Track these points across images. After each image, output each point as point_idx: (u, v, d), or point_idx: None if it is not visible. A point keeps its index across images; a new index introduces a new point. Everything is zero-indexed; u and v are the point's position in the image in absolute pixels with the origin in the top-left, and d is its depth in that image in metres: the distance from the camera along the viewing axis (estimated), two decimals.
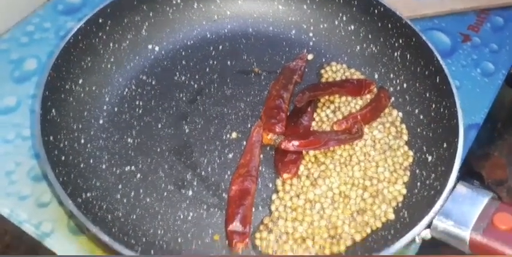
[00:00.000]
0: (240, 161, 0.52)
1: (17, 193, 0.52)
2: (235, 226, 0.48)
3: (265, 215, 0.50)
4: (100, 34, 0.56)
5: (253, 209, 0.50)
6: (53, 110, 0.50)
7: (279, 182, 0.52)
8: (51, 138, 0.48)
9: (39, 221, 0.51)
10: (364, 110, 0.55)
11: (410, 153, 0.54)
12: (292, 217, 0.49)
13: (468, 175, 0.51)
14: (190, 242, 0.48)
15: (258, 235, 0.49)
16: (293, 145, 0.51)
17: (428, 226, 0.44)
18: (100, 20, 0.56)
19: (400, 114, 0.57)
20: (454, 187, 0.45)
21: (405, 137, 0.55)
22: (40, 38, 0.63)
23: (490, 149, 0.85)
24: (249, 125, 0.56)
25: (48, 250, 0.51)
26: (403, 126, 0.56)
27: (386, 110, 0.57)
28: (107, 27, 0.57)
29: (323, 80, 0.60)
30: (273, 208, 0.50)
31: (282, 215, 0.49)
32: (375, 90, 0.58)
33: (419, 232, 0.44)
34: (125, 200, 0.50)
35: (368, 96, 0.58)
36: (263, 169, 0.53)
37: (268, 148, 0.54)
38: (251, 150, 0.53)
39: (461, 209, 0.44)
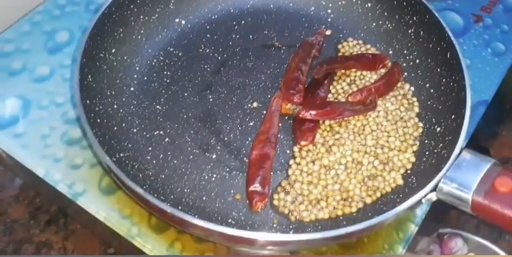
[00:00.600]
0: (260, 129, 0.56)
1: (51, 155, 0.55)
2: (256, 186, 0.51)
3: (282, 179, 0.53)
4: (131, 6, 0.59)
5: (272, 173, 0.53)
6: (89, 76, 0.53)
7: (296, 148, 0.55)
8: (87, 102, 0.51)
9: (72, 182, 0.54)
10: (378, 83, 0.58)
11: (420, 124, 0.56)
12: (308, 181, 0.53)
13: (476, 151, 0.54)
14: (214, 200, 0.51)
15: (276, 196, 0.52)
16: (310, 114, 0.54)
17: (434, 189, 0.47)
18: None
19: (412, 88, 0.59)
20: (459, 153, 0.48)
21: (416, 109, 0.57)
22: (71, 11, 0.66)
23: (499, 128, 0.87)
24: (269, 96, 0.59)
25: (77, 212, 0.55)
26: (415, 99, 0.58)
27: (399, 84, 0.59)
28: (138, 1, 0.59)
29: (340, 54, 0.62)
30: (290, 172, 0.53)
31: (299, 179, 0.53)
32: (389, 64, 0.61)
33: (426, 194, 0.47)
34: (154, 161, 0.53)
35: (382, 71, 0.60)
36: (281, 137, 0.56)
37: (286, 118, 0.57)
38: (270, 118, 0.56)
39: (464, 174, 0.46)
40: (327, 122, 0.56)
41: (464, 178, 0.46)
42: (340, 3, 0.65)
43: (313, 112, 0.54)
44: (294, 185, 0.52)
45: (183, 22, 0.63)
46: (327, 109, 0.55)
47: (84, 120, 0.48)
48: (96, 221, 0.53)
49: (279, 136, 0.56)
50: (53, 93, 0.59)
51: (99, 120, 0.52)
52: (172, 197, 0.50)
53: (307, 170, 0.53)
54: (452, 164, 0.47)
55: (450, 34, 0.56)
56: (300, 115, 0.54)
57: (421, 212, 0.55)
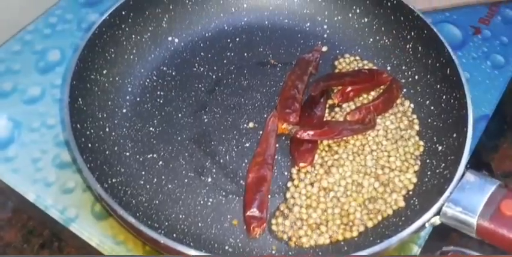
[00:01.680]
0: (257, 150, 0.54)
1: (43, 179, 0.54)
2: (253, 211, 0.49)
3: (280, 202, 0.52)
4: (123, 26, 0.58)
5: (270, 196, 0.52)
6: (80, 99, 0.52)
7: (294, 170, 0.54)
8: (78, 126, 0.49)
9: (64, 207, 0.53)
10: (377, 101, 0.57)
11: (421, 143, 0.55)
12: (307, 204, 0.51)
13: (477, 166, 0.52)
14: (210, 226, 0.50)
15: (274, 220, 0.50)
16: (308, 134, 0.53)
17: (438, 212, 0.46)
18: (123, 13, 0.57)
19: (412, 105, 0.58)
20: (462, 175, 0.47)
21: (416, 128, 0.56)
22: (63, 30, 0.65)
23: (500, 141, 0.85)
24: (265, 115, 0.57)
25: (70, 237, 0.53)
26: (415, 116, 0.57)
27: (399, 101, 0.58)
28: (129, 20, 0.58)
29: (337, 71, 0.61)
30: (288, 195, 0.52)
31: (297, 202, 0.51)
32: (388, 80, 0.59)
33: (429, 218, 0.45)
34: (148, 186, 0.52)
35: (381, 87, 0.59)
36: (279, 158, 0.55)
37: (283, 138, 0.56)
38: (267, 139, 0.55)
39: (469, 196, 0.45)
40: (325, 142, 0.55)
41: (468, 201, 0.45)
42: (336, 18, 0.64)
43: (310, 132, 0.53)
44: (293, 209, 0.51)
45: (176, 40, 0.62)
46: (324, 129, 0.54)
47: (74, 146, 0.47)
48: (91, 246, 0.52)
49: (276, 157, 0.55)
50: (44, 115, 0.58)
51: (90, 145, 0.50)
52: (166, 224, 0.49)
53: (305, 192, 0.52)
54: (455, 186, 0.46)
55: (449, 49, 0.55)
56: (298, 135, 0.53)
57: (424, 232, 0.53)
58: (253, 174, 0.52)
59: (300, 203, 0.51)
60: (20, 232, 0.62)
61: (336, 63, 0.62)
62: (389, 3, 0.60)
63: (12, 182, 0.54)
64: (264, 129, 0.56)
